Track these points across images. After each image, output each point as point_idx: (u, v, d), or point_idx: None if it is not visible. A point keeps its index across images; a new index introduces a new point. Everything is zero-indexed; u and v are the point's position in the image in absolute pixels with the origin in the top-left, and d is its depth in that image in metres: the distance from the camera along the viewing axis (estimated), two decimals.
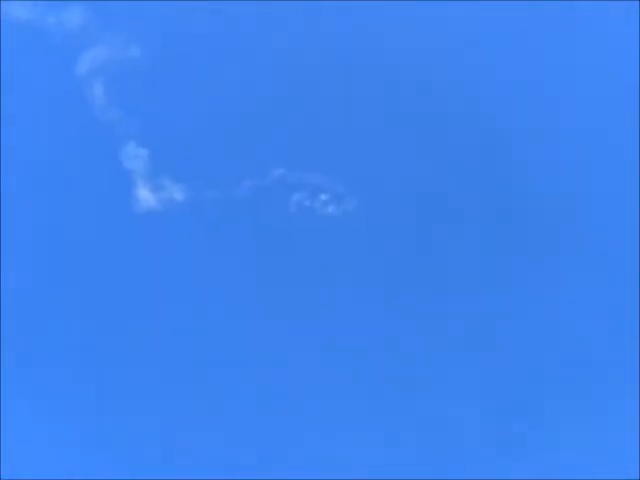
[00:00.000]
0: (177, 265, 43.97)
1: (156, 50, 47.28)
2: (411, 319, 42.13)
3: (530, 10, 45.62)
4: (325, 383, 40.45)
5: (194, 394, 40.32)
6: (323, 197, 45.58)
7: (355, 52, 47.16)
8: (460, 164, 45.22)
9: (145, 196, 45.33)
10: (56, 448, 38.53)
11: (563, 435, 38.82)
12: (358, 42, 47.17)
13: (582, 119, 44.05)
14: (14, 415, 38.70)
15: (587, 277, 41.65)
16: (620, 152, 43.30)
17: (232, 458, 38.79)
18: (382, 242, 44.55)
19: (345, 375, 40.52)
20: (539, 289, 41.69)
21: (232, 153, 46.43)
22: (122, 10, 47.44)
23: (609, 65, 44.55)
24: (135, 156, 45.82)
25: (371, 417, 39.62)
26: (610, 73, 44.44)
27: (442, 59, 46.51)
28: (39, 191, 45.52)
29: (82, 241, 44.57)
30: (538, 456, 38.58)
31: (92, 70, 47.01)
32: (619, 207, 42.44)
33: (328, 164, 46.15)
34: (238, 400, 40.22)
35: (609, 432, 38.45)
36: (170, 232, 44.80)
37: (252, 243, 44.76)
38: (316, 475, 38.34)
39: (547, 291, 41.64)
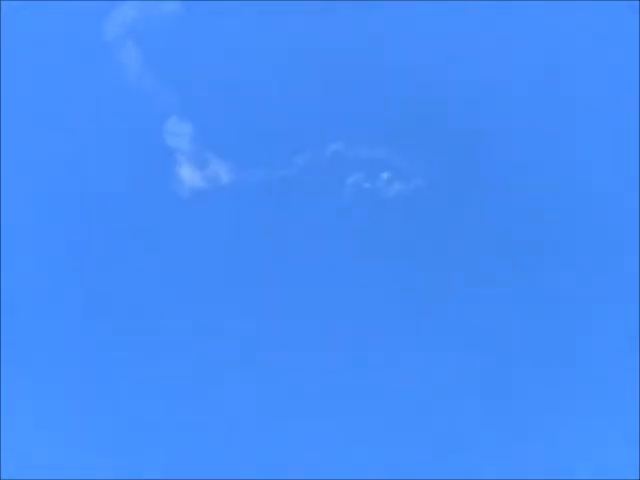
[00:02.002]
0: (220, 250, 41.97)
1: (197, 5, 42.41)
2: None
3: (530, 10, 44.42)
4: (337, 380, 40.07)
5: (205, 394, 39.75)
6: (385, 175, 41.76)
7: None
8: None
9: (189, 176, 41.72)
10: (56, 448, 38.08)
11: (563, 435, 38.46)
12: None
13: (582, 119, 43.40)
14: (14, 415, 38.25)
15: (587, 277, 41.34)
16: (620, 152, 42.64)
17: (232, 458, 38.38)
18: (450, 226, 41.60)
19: (345, 374, 40.12)
20: (541, 288, 41.34)
21: (284, 127, 42.50)
22: None
23: (609, 65, 43.78)
24: (177, 132, 41.84)
25: (371, 416, 39.26)
26: (610, 73, 43.69)
27: None
28: (71, 173, 42.77)
29: (121, 223, 42.55)
30: (538, 456, 38.19)
31: (122, 32, 42.14)
32: (619, 207, 42.00)
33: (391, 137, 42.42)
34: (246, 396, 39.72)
35: (609, 432, 38.16)
36: (215, 214, 42.54)
37: (305, 227, 42.27)
38: (316, 475, 37.97)
39: (547, 290, 41.22)
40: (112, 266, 42.04)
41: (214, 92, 43.40)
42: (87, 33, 43.43)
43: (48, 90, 43.44)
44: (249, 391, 40.03)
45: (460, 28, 44.30)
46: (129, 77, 43.26)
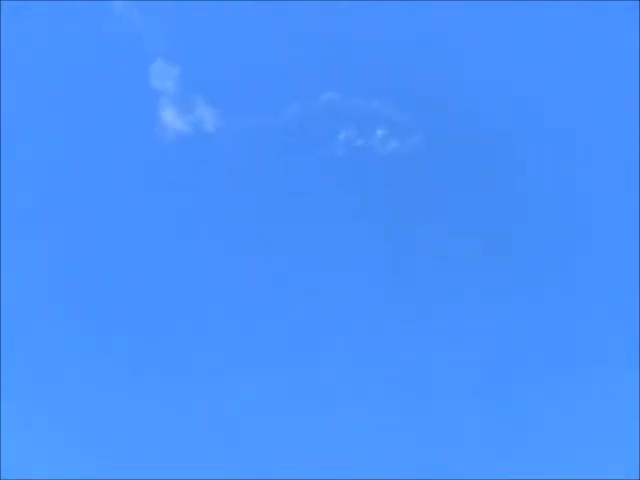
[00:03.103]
0: (200, 202, 40.50)
1: None
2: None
3: (529, 10, 42.87)
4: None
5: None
6: (380, 131, 38.92)
7: None
8: None
9: (173, 120, 39.66)
10: (56, 448, 37.61)
11: (563, 435, 38.10)
12: None
13: (582, 119, 42.55)
14: (14, 415, 37.70)
15: (587, 277, 40.84)
16: (620, 153, 41.96)
17: (232, 458, 37.77)
18: (449, 189, 39.64)
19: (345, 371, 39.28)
20: (541, 287, 40.75)
21: (275, 74, 40.47)
22: None
23: (609, 65, 43.02)
24: (163, 75, 39.78)
25: (370, 416, 38.50)
26: (610, 73, 42.96)
27: None
28: (53, 112, 41.48)
29: (102, 168, 41.29)
30: (538, 456, 37.76)
31: None
32: (619, 207, 41.42)
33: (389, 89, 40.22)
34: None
35: (609, 432, 37.76)
36: (198, 162, 40.84)
37: (293, 183, 40.38)
38: (316, 475, 37.31)
39: (548, 289, 40.72)
40: (85, 212, 40.82)
41: (203, 35, 41.95)
42: None
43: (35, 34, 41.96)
44: (249, 390, 39.14)
45: None
46: (115, 15, 41.24)
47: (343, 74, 41.30)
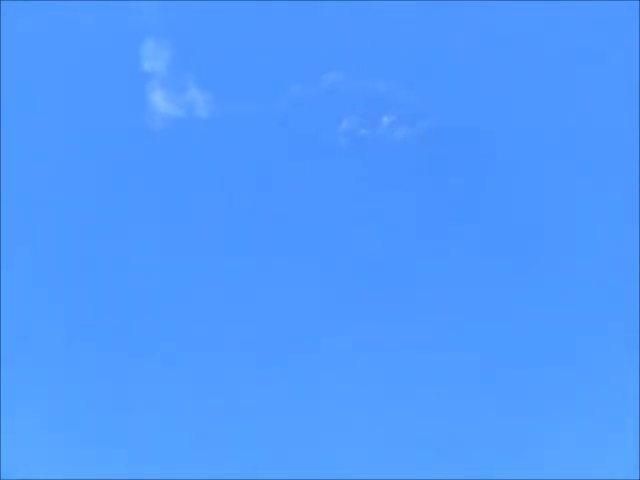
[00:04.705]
0: (191, 190, 38.78)
1: None
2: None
3: (529, 10, 41.44)
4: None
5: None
6: (387, 117, 35.78)
7: None
8: None
9: (164, 105, 37.04)
10: (56, 448, 37.22)
11: (563, 435, 37.85)
12: None
13: (581, 120, 41.34)
14: (14, 415, 37.34)
15: (586, 277, 40.26)
16: (619, 153, 41.21)
17: (232, 458, 37.33)
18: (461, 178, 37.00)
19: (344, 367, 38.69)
20: (541, 286, 40.13)
21: (275, 54, 37.57)
22: None
23: (608, 65, 42.11)
24: (154, 56, 37.14)
25: (369, 415, 38.08)
26: (609, 73, 42.13)
27: None
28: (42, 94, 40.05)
29: (89, 154, 39.84)
30: (538, 456, 37.52)
31: None
32: (619, 207, 40.75)
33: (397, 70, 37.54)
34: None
35: (609, 432, 37.57)
36: (190, 150, 38.85)
37: (292, 172, 38.05)
38: (315, 475, 36.85)
39: (548, 289, 40.11)
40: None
41: (196, 13, 39.33)
42: None
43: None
44: (248, 389, 38.51)
45: None
46: None
47: (347, 54, 38.11)
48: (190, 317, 38.66)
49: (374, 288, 38.61)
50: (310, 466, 36.91)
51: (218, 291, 38.61)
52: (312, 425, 37.70)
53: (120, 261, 39.26)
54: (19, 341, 38.62)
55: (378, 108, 37.46)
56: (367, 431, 37.46)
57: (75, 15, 39.65)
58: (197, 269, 38.73)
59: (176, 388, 38.12)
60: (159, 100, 38.08)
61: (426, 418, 37.62)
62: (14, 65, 40.04)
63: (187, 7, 39.22)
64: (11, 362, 38.12)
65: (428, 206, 38.01)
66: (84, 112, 39.55)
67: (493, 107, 38.83)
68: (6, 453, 36.60)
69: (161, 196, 38.55)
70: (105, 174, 39.19)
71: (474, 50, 39.01)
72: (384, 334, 38.22)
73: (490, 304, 39.15)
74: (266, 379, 38.12)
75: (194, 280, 38.69)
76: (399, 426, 37.58)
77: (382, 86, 37.29)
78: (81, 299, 39.34)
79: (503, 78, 39.48)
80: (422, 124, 37.15)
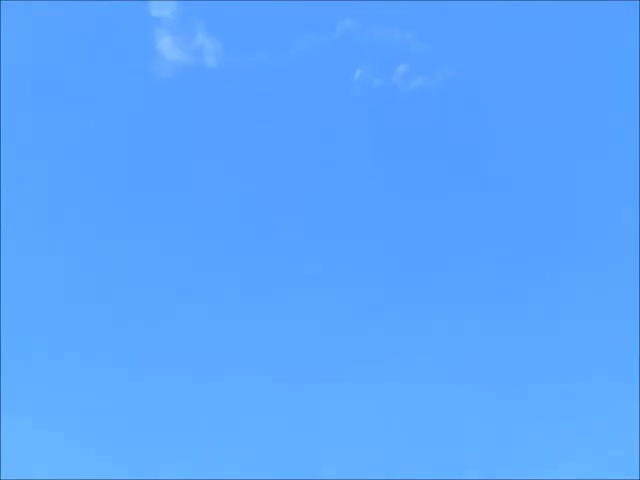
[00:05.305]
0: (197, 144, 37.61)
1: None
2: None
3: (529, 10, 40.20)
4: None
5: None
6: (401, 69, 34.55)
7: None
8: None
9: (172, 52, 35.96)
10: (56, 448, 37.00)
11: (563, 435, 37.76)
12: None
13: (581, 120, 40.73)
14: (14, 415, 37.12)
15: (587, 277, 40.22)
16: (620, 153, 40.77)
17: (232, 458, 37.06)
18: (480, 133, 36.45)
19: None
20: (541, 286, 39.96)
21: (286, 1, 36.35)
22: None
23: (608, 65, 41.56)
24: (162, 2, 36.15)
25: (369, 414, 37.78)
26: (609, 73, 41.56)
27: None
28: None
29: (95, 102, 38.81)
30: (538, 456, 37.39)
31: None
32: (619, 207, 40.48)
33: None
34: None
35: (609, 432, 37.49)
36: (199, 100, 37.58)
37: (305, 124, 36.58)
38: (315, 474, 36.63)
39: (548, 288, 39.96)
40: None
41: None
42: None
43: None
44: (249, 389, 38.21)
45: None
46: None
47: (361, 1, 36.75)
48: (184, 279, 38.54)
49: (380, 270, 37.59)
50: (310, 466, 36.65)
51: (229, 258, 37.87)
52: (312, 426, 37.47)
53: (121, 223, 38.72)
54: (19, 341, 38.30)
55: (393, 57, 36.14)
56: (367, 431, 37.13)
57: None
58: (200, 235, 38.11)
59: (176, 389, 37.93)
60: (167, 47, 36.87)
61: (426, 418, 37.47)
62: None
63: None
64: (11, 362, 37.81)
65: (442, 162, 36.86)
66: (90, 59, 38.63)
67: (511, 58, 37.53)
68: (6, 453, 36.45)
69: (167, 145, 37.48)
70: (111, 121, 38.21)
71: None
72: (385, 334, 38.00)
73: (490, 302, 38.99)
74: (265, 377, 37.80)
75: (200, 253, 38.20)
76: (399, 426, 37.36)
77: (397, 35, 35.98)
78: (81, 293, 38.92)
79: (523, 29, 38.59)
80: (439, 74, 35.86)
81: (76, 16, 38.78)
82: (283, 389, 37.79)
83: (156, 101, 37.51)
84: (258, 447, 36.89)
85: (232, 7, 37.43)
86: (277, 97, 36.72)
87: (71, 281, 39.23)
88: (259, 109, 36.97)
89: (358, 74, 35.49)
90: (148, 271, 38.53)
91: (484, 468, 36.57)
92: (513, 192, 38.45)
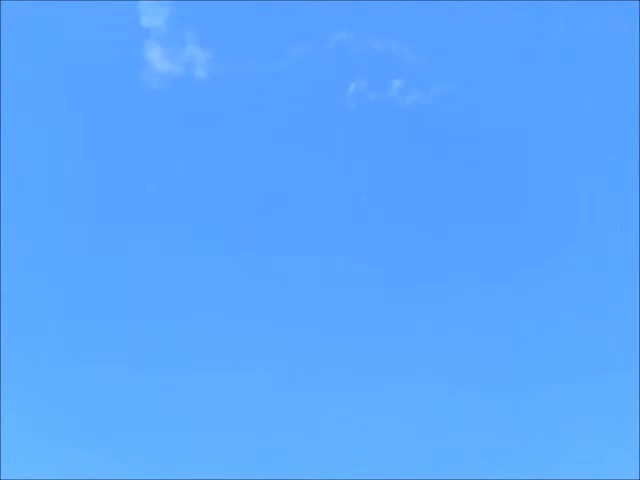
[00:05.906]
0: (191, 150, 37.24)
1: None
2: None
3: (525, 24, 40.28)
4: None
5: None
6: (396, 83, 33.99)
7: None
8: None
9: (162, 63, 35.43)
10: (56, 448, 37.00)
11: (563, 434, 37.76)
12: None
13: (581, 120, 40.62)
14: (14, 415, 37.13)
15: (587, 277, 40.22)
16: (619, 153, 40.88)
17: (232, 458, 37.03)
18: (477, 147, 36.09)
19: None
20: (541, 286, 39.90)
21: (280, 11, 35.53)
22: None
23: (608, 65, 41.55)
24: (152, 12, 35.52)
25: (368, 414, 37.82)
26: (609, 73, 41.54)
27: None
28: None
29: (85, 112, 38.56)
30: (538, 456, 37.38)
31: None
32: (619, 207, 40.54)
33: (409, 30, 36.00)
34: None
35: (609, 432, 37.54)
36: (189, 111, 37.29)
37: (296, 136, 36.36)
38: (315, 474, 36.57)
39: (548, 289, 39.95)
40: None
41: None
42: None
43: None
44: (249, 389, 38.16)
45: None
46: None
47: (356, 13, 36.26)
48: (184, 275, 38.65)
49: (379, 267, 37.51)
50: (309, 466, 36.56)
51: (223, 257, 37.80)
52: (312, 426, 37.28)
53: (114, 227, 38.57)
54: (19, 340, 38.21)
55: (388, 71, 35.58)
56: (367, 431, 37.08)
57: None
58: (192, 238, 37.83)
59: (176, 389, 37.72)
60: (157, 57, 36.26)
61: (426, 418, 37.38)
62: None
63: None
64: (11, 362, 37.68)
65: (438, 175, 36.35)
66: (79, 69, 38.13)
67: (508, 71, 37.01)
68: (6, 453, 36.38)
69: (157, 156, 37.04)
70: (100, 132, 37.82)
71: (490, 13, 37.10)
72: (385, 334, 37.87)
73: (489, 301, 38.76)
74: (265, 377, 37.71)
75: (192, 256, 38.15)
76: (399, 426, 37.21)
77: (393, 48, 35.43)
78: (81, 293, 38.71)
79: (519, 43, 37.98)
80: (434, 89, 35.27)
81: (66, 27, 38.39)
82: (283, 389, 37.65)
83: (146, 112, 37.18)
84: (258, 447, 36.82)
85: (223, 17, 36.93)
86: (268, 109, 36.27)
87: (71, 281, 39.16)
88: (250, 121, 36.49)
89: (353, 87, 34.89)
90: (148, 273, 38.62)
91: (484, 468, 36.65)
92: (509, 206, 38.30)
